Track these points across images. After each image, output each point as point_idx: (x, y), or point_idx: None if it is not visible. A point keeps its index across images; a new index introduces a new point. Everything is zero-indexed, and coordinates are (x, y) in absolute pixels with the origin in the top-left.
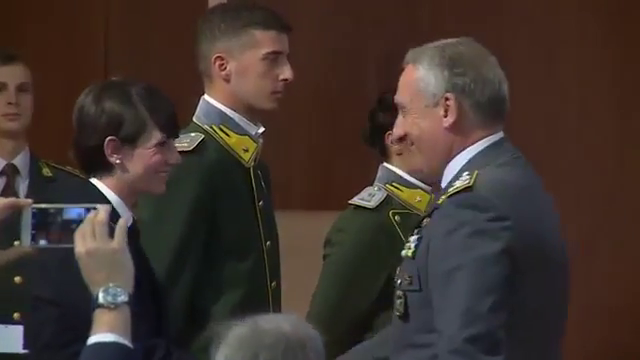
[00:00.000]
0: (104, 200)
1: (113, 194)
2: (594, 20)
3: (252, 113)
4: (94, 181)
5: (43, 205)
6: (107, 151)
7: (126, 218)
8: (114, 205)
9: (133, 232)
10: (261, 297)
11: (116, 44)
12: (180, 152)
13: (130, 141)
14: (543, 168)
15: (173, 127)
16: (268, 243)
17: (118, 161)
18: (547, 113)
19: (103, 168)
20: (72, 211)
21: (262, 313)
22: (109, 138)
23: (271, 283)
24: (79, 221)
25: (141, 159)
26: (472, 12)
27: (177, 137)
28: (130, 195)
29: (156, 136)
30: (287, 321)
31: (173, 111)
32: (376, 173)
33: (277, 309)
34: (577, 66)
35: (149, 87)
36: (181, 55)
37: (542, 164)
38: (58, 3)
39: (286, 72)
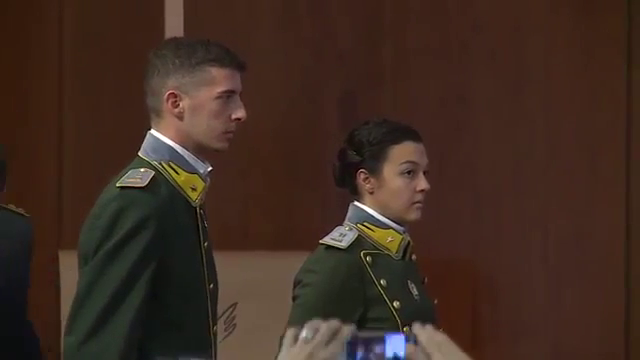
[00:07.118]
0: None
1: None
2: (562, 56)
3: (202, 151)
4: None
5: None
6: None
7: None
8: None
9: None
10: (206, 342)
11: (70, 78)
12: (131, 187)
13: None
14: (510, 208)
15: None
16: (211, 286)
17: None
18: (514, 152)
19: None
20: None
21: (207, 358)
22: None
23: (213, 327)
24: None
25: None
26: (435, 49)
27: None
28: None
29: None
30: None
31: None
32: (343, 212)
33: (215, 354)
34: (544, 104)
35: None
36: (136, 89)
37: (509, 204)
38: (9, 35)
39: (239, 112)
